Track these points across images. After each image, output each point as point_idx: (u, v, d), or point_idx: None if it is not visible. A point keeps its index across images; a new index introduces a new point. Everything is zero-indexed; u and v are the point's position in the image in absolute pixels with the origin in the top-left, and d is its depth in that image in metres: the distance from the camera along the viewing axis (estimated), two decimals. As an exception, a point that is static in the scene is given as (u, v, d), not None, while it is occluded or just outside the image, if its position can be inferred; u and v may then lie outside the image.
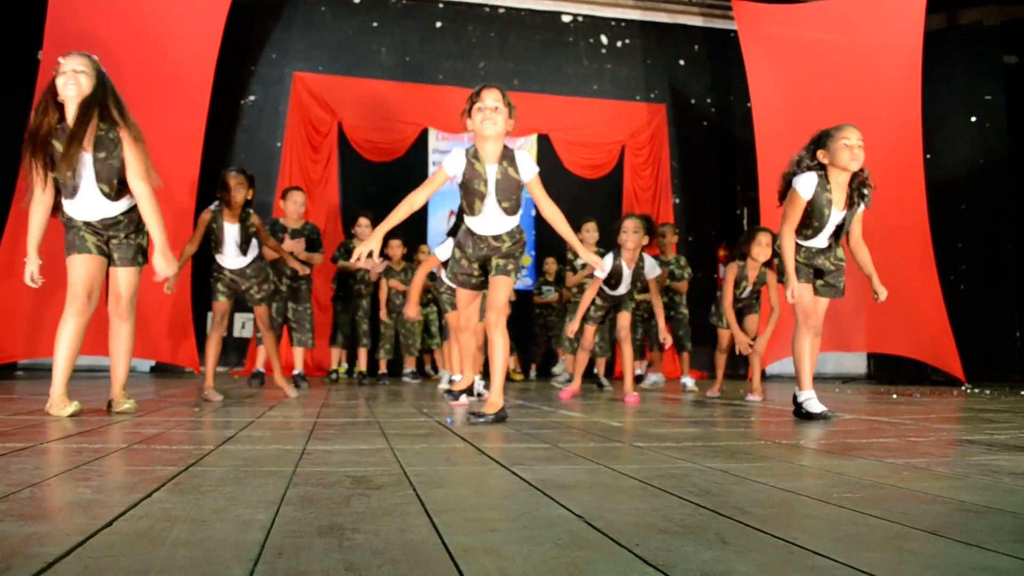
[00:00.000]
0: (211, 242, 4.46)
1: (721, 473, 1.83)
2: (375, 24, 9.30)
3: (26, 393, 4.45)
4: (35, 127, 3.18)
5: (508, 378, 8.03)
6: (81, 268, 3.23)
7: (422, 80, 9.27)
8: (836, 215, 3.54)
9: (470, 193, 3.33)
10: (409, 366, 7.45)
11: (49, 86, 3.20)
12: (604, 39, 9.92)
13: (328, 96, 8.97)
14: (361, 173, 8.98)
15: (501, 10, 9.65)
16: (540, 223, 9.18)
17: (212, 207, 4.44)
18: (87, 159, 3.20)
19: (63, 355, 3.18)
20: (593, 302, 5.06)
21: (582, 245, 3.53)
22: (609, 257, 4.90)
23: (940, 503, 1.48)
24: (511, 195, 3.31)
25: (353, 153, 9.00)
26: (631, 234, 4.81)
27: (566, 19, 9.84)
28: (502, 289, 3.38)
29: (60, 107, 3.19)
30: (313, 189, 8.51)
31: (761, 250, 5.06)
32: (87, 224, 3.26)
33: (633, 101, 9.86)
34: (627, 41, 9.98)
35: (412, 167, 9.12)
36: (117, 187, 3.27)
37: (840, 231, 3.59)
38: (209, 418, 3.22)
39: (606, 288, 4.97)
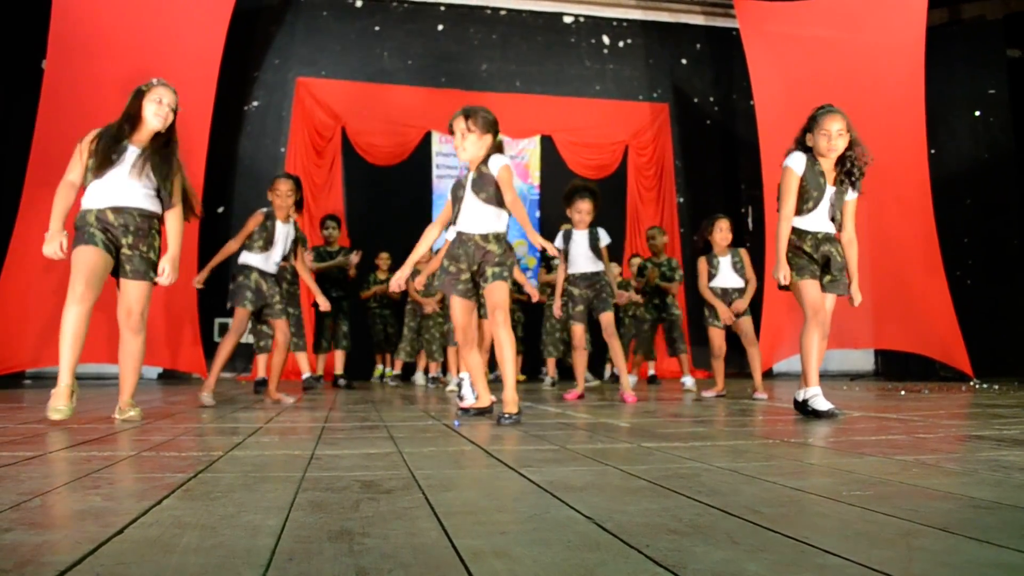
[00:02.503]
0: (258, 241, 4.60)
1: (730, 472, 1.82)
2: (377, 28, 9.32)
3: (34, 402, 4.46)
4: (116, 131, 3.35)
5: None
6: (84, 257, 3.21)
7: (425, 83, 9.28)
8: (830, 189, 3.57)
9: (455, 201, 3.60)
10: (432, 370, 7.45)
11: (135, 99, 3.39)
12: (606, 39, 9.92)
13: (331, 101, 8.99)
14: (365, 177, 9.00)
15: (502, 12, 9.66)
16: (544, 227, 9.19)
17: (263, 209, 4.71)
18: (135, 152, 3.35)
19: (68, 343, 3.15)
20: (569, 293, 5.19)
21: (534, 230, 3.57)
22: (560, 233, 5.28)
23: (950, 500, 1.47)
24: (486, 187, 3.49)
25: (357, 157, 9.01)
26: (584, 215, 5.09)
27: (567, 20, 9.84)
28: (498, 290, 3.46)
29: (136, 120, 3.40)
30: (318, 194, 8.53)
31: (723, 235, 5.37)
32: (100, 218, 3.27)
33: (636, 101, 9.87)
34: (629, 41, 9.99)
35: (416, 170, 9.14)
36: (156, 186, 3.39)
37: (834, 207, 3.59)
38: (217, 424, 3.22)
39: (572, 269, 5.18)
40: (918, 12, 7.65)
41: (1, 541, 1.14)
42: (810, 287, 3.55)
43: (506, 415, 3.26)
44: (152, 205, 3.39)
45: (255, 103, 8.96)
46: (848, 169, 3.55)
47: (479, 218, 3.49)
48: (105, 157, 3.28)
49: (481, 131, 3.51)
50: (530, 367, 8.61)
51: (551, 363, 7.60)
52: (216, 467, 1.92)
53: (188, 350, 6.92)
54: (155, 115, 3.38)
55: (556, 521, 1.28)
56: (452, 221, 3.63)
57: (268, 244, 4.61)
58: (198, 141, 6.91)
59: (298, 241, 4.84)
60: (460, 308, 3.61)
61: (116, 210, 3.29)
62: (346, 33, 9.25)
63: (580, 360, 5.33)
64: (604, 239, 5.16)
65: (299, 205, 4.81)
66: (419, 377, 7.54)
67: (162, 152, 3.41)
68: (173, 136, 3.52)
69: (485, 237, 3.48)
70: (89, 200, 3.31)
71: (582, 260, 5.14)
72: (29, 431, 2.82)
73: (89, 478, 1.74)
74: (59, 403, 3.09)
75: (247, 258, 4.58)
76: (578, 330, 5.19)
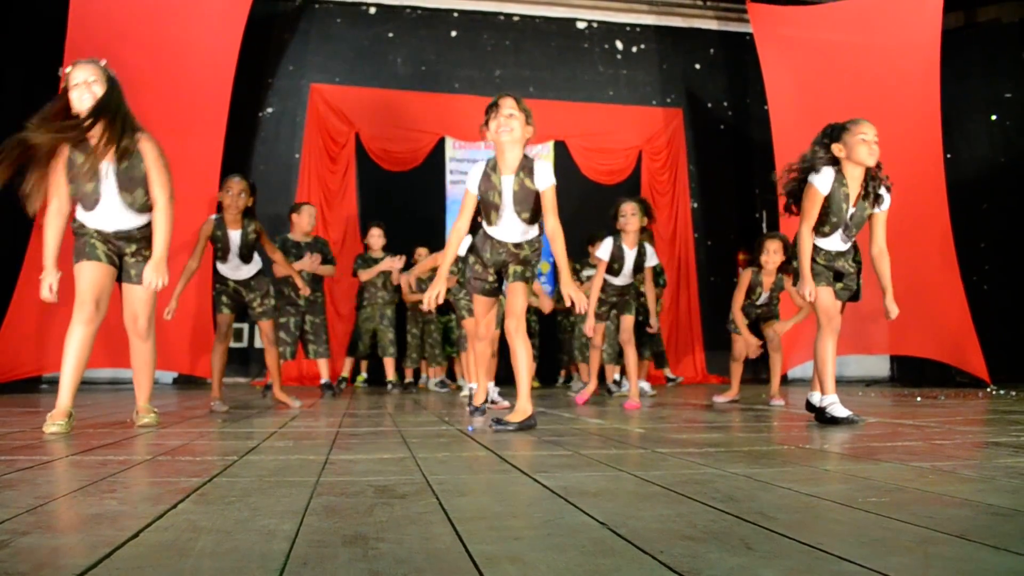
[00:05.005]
0: (216, 252, 4.49)
1: (744, 479, 1.82)
2: (391, 34, 9.35)
3: (50, 407, 4.47)
4: (53, 140, 3.08)
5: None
6: (89, 275, 3.16)
7: (438, 89, 9.30)
8: (850, 210, 3.51)
9: (487, 204, 3.34)
10: (435, 375, 7.47)
11: (61, 99, 3.13)
12: (619, 45, 9.92)
13: (345, 107, 9.02)
14: (379, 183, 9.02)
15: (516, 18, 9.68)
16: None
17: (212, 217, 4.50)
18: (110, 169, 3.16)
19: (70, 365, 3.10)
20: (599, 298, 5.03)
21: (569, 274, 3.38)
22: (609, 240, 4.89)
23: (967, 506, 1.46)
24: (529, 205, 3.28)
25: (371, 163, 9.04)
26: (630, 217, 4.77)
27: (581, 26, 9.85)
28: (520, 295, 3.36)
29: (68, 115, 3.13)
30: (332, 200, 8.56)
31: (769, 257, 5.10)
32: (99, 232, 3.22)
33: (649, 106, 9.85)
34: (642, 46, 9.98)
35: (429, 176, 9.16)
36: (141, 198, 3.24)
37: (851, 228, 3.56)
38: (232, 429, 3.23)
39: (610, 277, 4.96)
40: (933, 15, 7.61)
41: (18, 544, 1.14)
42: (824, 294, 3.52)
43: (503, 422, 3.13)
44: (141, 220, 3.30)
45: (269, 109, 9.01)
46: (876, 184, 3.47)
47: (513, 229, 3.35)
48: (83, 190, 3.13)
49: (526, 119, 3.27)
50: (545, 372, 8.59)
51: (584, 368, 7.58)
52: (231, 471, 1.92)
53: (202, 355, 6.94)
54: (80, 99, 3.09)
55: (570, 527, 1.28)
56: (479, 222, 3.47)
57: (225, 253, 4.46)
58: (213, 147, 6.94)
59: (258, 238, 4.56)
60: (483, 304, 3.61)
61: (113, 232, 3.25)
62: (360, 40, 9.29)
63: (595, 359, 5.24)
64: (651, 260, 4.96)
65: (251, 211, 4.54)
66: (431, 383, 7.51)
67: (129, 158, 3.17)
68: (125, 113, 3.18)
69: (519, 245, 3.41)
70: (85, 220, 3.22)
71: (623, 276, 4.97)
72: (46, 435, 2.84)
73: (105, 482, 1.75)
74: (59, 419, 3.01)
75: (219, 268, 4.54)
76: (599, 329, 5.10)
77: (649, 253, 4.95)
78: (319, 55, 9.15)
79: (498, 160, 3.30)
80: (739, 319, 5.23)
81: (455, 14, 9.52)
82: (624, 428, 3.29)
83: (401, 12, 9.40)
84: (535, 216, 3.32)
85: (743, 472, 1.92)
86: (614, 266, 4.90)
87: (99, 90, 3.12)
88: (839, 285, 3.61)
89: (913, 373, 8.71)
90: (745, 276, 5.25)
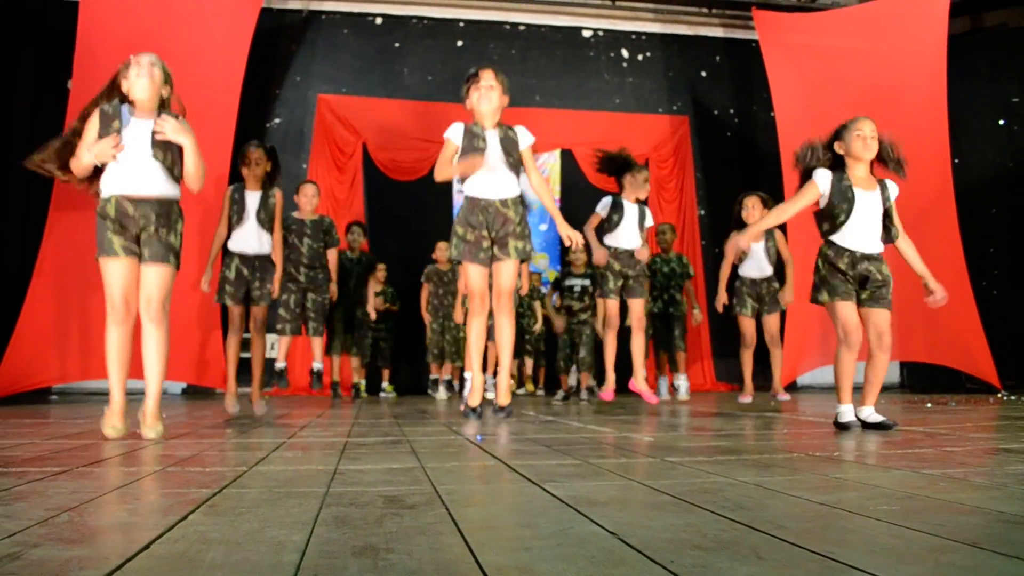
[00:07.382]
0: (232, 219, 4.48)
1: (755, 487, 1.81)
2: (397, 45, 9.38)
3: (60, 417, 4.51)
4: (96, 104, 3.25)
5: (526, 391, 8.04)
6: (113, 274, 3.15)
7: (445, 99, 9.29)
8: (865, 195, 3.41)
9: (472, 150, 3.56)
10: (444, 374, 7.41)
11: (113, 78, 3.31)
12: (625, 53, 9.93)
13: (352, 117, 9.05)
14: (387, 193, 9.04)
15: (521, 27, 9.71)
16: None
17: (233, 184, 4.59)
18: (147, 125, 3.22)
19: (114, 368, 3.14)
20: (609, 266, 4.90)
21: (562, 218, 3.62)
22: (608, 199, 5.02)
23: (979, 514, 1.45)
24: (513, 151, 3.53)
25: (378, 173, 9.06)
26: (641, 182, 4.99)
27: (586, 34, 9.87)
28: (511, 271, 3.44)
29: (122, 96, 3.28)
30: (339, 210, 8.58)
31: (749, 213, 5.27)
32: (119, 211, 3.15)
33: (656, 114, 9.85)
34: (648, 54, 9.99)
35: (437, 186, 9.13)
36: (171, 161, 3.25)
37: (888, 225, 3.46)
38: (241, 439, 3.24)
39: (612, 240, 4.93)
40: (939, 21, 7.60)
41: (30, 556, 1.15)
42: (842, 308, 3.41)
43: (499, 409, 3.23)
44: (171, 189, 3.28)
45: (277, 120, 9.05)
46: (892, 161, 3.45)
47: (499, 183, 3.49)
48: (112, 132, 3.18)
49: (504, 90, 3.59)
50: (550, 382, 8.59)
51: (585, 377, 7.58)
52: (241, 482, 1.93)
53: (211, 365, 6.96)
54: (138, 75, 3.24)
55: (580, 536, 1.28)
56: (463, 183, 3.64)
57: (240, 215, 4.48)
58: (221, 158, 6.96)
59: (274, 207, 4.59)
60: (479, 275, 3.59)
61: (134, 201, 3.17)
62: (366, 50, 9.33)
63: (611, 342, 5.00)
64: (649, 219, 5.02)
65: (273, 175, 4.63)
66: (441, 391, 7.39)
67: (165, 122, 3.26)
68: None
69: (504, 203, 3.47)
70: (108, 184, 3.19)
71: (628, 234, 4.88)
72: (56, 447, 2.85)
73: (115, 493, 1.75)
74: (115, 420, 3.09)
75: (230, 243, 4.49)
76: (612, 306, 4.88)
77: (648, 213, 5.08)
78: (326, 65, 9.19)
79: (478, 122, 3.62)
80: (723, 279, 5.39)
81: (461, 24, 9.55)
82: (633, 436, 3.28)
83: (407, 22, 9.43)
84: (517, 164, 3.54)
85: (753, 480, 1.92)
86: (614, 217, 4.93)
87: (158, 73, 3.32)
88: (865, 293, 3.45)
89: (923, 379, 8.68)
90: (730, 243, 5.28)
